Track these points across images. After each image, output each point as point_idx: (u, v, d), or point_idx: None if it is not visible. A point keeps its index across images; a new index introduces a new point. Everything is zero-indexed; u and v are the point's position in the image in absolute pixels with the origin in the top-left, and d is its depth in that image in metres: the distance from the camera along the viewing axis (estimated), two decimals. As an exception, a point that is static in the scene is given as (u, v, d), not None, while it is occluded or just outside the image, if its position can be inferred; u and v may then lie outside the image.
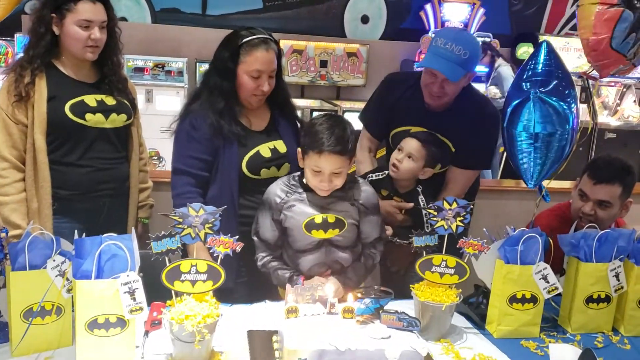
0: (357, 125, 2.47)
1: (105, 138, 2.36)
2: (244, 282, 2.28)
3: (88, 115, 2.30)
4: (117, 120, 2.38)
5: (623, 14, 2.14)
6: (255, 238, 2.18)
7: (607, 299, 2.07)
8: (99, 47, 2.30)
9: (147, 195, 2.61)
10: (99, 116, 2.32)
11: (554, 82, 2.27)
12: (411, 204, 2.43)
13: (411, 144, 2.40)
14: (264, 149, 2.30)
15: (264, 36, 2.24)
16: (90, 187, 2.34)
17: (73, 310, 1.66)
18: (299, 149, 2.12)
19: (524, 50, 6.66)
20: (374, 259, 2.25)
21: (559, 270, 2.14)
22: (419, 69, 2.54)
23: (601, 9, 2.18)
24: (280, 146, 2.34)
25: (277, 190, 2.15)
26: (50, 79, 2.27)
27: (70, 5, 2.22)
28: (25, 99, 2.23)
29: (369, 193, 2.22)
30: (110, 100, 2.37)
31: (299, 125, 2.48)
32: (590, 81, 6.39)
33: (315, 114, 5.90)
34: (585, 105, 6.40)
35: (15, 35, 5.08)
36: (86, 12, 2.23)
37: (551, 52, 2.34)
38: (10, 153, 2.24)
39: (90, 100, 2.32)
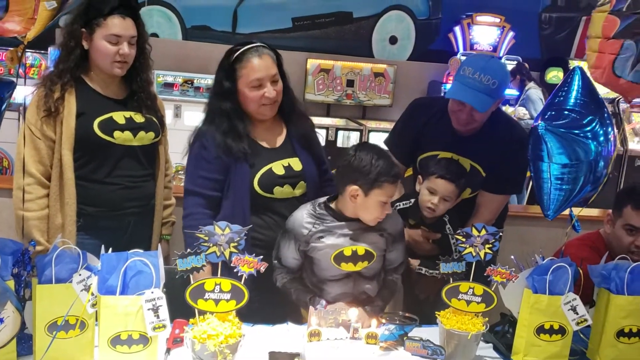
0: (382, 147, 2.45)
1: (133, 156, 2.34)
2: (254, 308, 2.02)
3: (116, 133, 2.29)
4: (145, 138, 2.36)
5: (624, 44, 2.10)
6: (275, 262, 2.15)
7: None
8: (128, 63, 2.29)
9: (170, 212, 2.58)
10: (127, 134, 2.31)
11: (581, 114, 2.19)
12: (439, 235, 2.40)
13: (445, 187, 2.33)
14: (277, 167, 2.25)
15: (255, 45, 2.22)
16: (116, 204, 2.33)
17: (97, 325, 1.66)
18: (353, 187, 2.03)
19: (554, 75, 6.60)
20: (397, 284, 2.24)
21: (589, 302, 2.08)
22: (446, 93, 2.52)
23: (603, 41, 2.15)
24: (296, 164, 2.29)
25: (303, 222, 2.09)
26: (79, 95, 2.26)
27: (99, 20, 2.21)
28: (54, 114, 2.22)
29: (395, 220, 2.20)
30: (138, 118, 2.36)
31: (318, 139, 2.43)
32: (621, 107, 6.31)
33: (340, 132, 5.91)
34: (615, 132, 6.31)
35: (48, 49, 5.18)
36: (115, 27, 2.21)
37: (584, 79, 2.29)
38: (36, 169, 2.23)
39: (119, 117, 2.31)
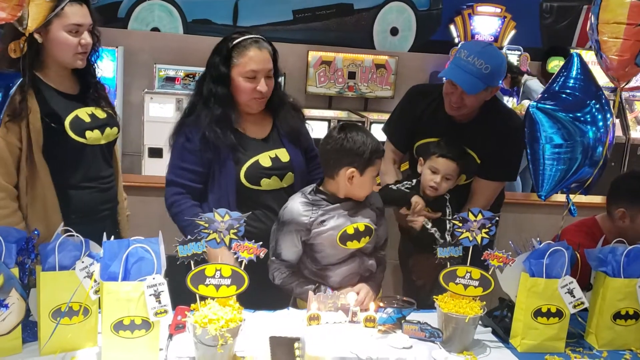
0: (381, 137, 2.48)
1: (100, 155, 2.21)
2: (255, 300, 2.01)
3: (87, 133, 2.14)
4: (110, 134, 2.23)
5: None
6: (273, 258, 2.14)
7: (636, 316, 2.03)
8: (87, 53, 2.13)
9: (125, 206, 2.44)
10: (97, 132, 2.17)
11: (578, 98, 2.19)
12: (439, 214, 2.44)
13: (446, 165, 2.39)
14: (264, 158, 2.22)
15: (255, 36, 2.19)
16: (92, 209, 2.20)
17: (100, 312, 1.69)
18: (350, 169, 2.05)
19: (555, 64, 6.59)
20: (385, 261, 2.30)
21: (586, 286, 2.10)
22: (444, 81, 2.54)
23: (629, 28, 2.14)
24: (283, 155, 2.26)
25: (301, 211, 2.09)
26: (39, 94, 2.07)
27: (56, 9, 1.98)
28: (18, 118, 2.00)
29: (377, 195, 2.28)
30: (100, 113, 2.21)
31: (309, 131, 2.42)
32: (623, 96, 6.30)
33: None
34: (617, 120, 6.32)
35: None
36: (75, 15, 2.04)
37: (583, 66, 2.28)
38: (5, 180, 2.03)
39: (83, 115, 2.16)
